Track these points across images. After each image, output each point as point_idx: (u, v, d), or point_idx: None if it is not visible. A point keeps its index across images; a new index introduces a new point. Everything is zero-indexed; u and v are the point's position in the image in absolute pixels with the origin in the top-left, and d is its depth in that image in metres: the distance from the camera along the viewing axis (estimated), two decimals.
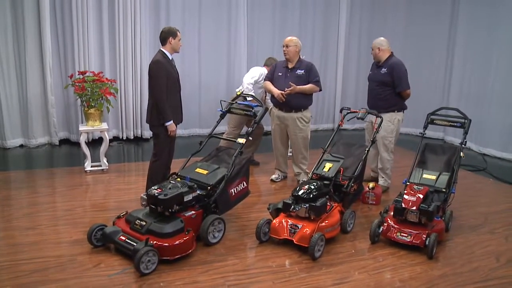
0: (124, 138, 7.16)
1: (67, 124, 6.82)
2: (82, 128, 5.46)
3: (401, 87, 4.79)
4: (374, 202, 4.64)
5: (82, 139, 5.39)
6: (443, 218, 3.91)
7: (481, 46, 7.09)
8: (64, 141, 6.86)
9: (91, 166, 5.45)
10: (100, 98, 5.33)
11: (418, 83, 8.11)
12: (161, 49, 4.28)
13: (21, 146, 6.57)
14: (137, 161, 6.56)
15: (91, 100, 5.28)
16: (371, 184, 4.64)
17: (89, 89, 5.29)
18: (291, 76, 4.84)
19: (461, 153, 4.23)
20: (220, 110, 4.37)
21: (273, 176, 5.34)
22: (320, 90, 4.98)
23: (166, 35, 4.24)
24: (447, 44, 7.81)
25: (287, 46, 4.84)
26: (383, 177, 5.03)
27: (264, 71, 5.57)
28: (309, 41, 8.22)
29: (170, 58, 4.30)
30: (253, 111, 4.12)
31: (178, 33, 4.29)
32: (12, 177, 5.33)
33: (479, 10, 7.11)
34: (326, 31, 8.35)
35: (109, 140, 6.83)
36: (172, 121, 4.23)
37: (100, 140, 5.63)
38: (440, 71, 7.98)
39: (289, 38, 4.90)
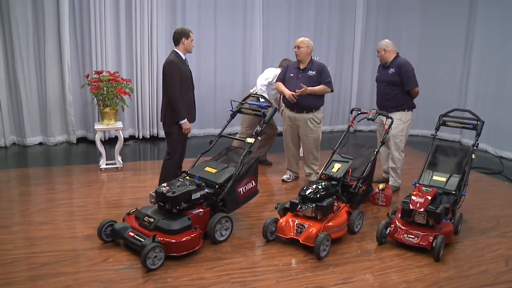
0: (140, 137, 7.28)
1: (85, 123, 6.98)
2: (97, 126, 5.59)
3: (409, 86, 4.83)
4: (384, 204, 4.62)
5: (97, 138, 5.51)
6: (452, 221, 3.88)
7: (499, 48, 6.96)
8: (82, 140, 7.02)
9: (106, 164, 5.58)
10: (115, 98, 5.45)
11: (435, 85, 8.04)
12: (174, 49, 4.36)
13: (40, 144, 6.75)
14: (152, 160, 6.68)
15: (106, 99, 5.40)
16: (381, 185, 4.63)
17: (104, 88, 5.41)
18: (302, 77, 4.86)
19: (473, 155, 4.18)
20: (231, 110, 4.43)
21: (285, 176, 5.36)
22: (332, 91, 4.98)
23: (179, 36, 4.32)
24: (464, 46, 7.69)
25: (298, 48, 4.86)
26: (393, 177, 5.01)
27: (278, 72, 5.60)
28: (324, 42, 8.22)
29: (184, 58, 4.38)
30: (262, 111, 4.16)
31: (190, 34, 4.37)
32: (30, 174, 5.50)
33: (497, 12, 6.98)
34: (342, 32, 8.33)
35: (126, 139, 7.03)
36: (186, 119, 4.32)
37: (116, 138, 5.76)
38: (457, 73, 7.86)
39: (300, 39, 4.91)
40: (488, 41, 7.20)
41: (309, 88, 4.76)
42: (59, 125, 6.74)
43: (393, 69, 4.87)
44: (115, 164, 5.61)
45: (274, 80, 5.48)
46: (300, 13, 7.97)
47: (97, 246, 3.54)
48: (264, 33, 7.80)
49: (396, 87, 4.86)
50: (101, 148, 5.55)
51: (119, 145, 5.60)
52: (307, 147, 5.09)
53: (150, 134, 7.30)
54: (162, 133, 7.29)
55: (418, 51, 8.20)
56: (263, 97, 4.43)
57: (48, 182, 5.18)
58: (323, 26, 8.18)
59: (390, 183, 5.02)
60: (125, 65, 6.96)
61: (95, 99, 5.81)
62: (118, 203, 4.58)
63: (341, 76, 8.47)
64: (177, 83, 4.23)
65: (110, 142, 6.75)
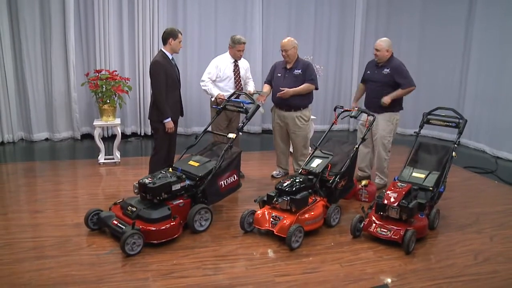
0: (142, 134, 7.54)
1: (89, 120, 7.26)
2: (96, 123, 5.86)
3: (408, 85, 4.81)
4: (367, 200, 4.71)
5: (96, 133, 5.78)
6: (428, 216, 3.97)
7: (497, 48, 6.96)
8: (86, 136, 7.31)
9: (105, 159, 5.83)
10: (113, 95, 5.69)
11: (434, 85, 8.09)
12: (162, 49, 4.54)
13: (46, 139, 7.09)
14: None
15: (104, 96, 5.65)
16: (363, 182, 4.73)
17: (103, 86, 5.66)
18: (289, 76, 5.00)
19: (454, 153, 4.26)
20: (216, 107, 4.61)
21: (274, 172, 5.51)
22: (316, 88, 5.08)
23: (167, 36, 4.49)
24: (463, 46, 7.70)
25: (286, 51, 4.93)
26: (379, 176, 5.09)
27: (221, 60, 5.18)
28: (324, 41, 8.34)
29: (170, 58, 4.54)
30: (244, 107, 4.33)
31: (179, 35, 4.52)
32: (34, 167, 5.79)
33: (495, 12, 6.98)
34: (342, 32, 8.43)
35: (128, 135, 7.29)
36: (170, 119, 4.49)
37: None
38: (455, 73, 7.86)
39: (285, 41, 4.96)
40: (486, 41, 7.20)
41: (292, 89, 4.88)
42: (65, 122, 7.06)
43: (388, 70, 4.83)
44: (113, 159, 5.86)
45: (218, 73, 5.14)
46: (300, 12, 8.10)
47: (84, 233, 3.77)
48: (264, 31, 7.96)
49: (389, 88, 4.84)
50: (100, 143, 5.81)
51: (117, 141, 5.86)
52: (296, 144, 5.23)
53: (151, 131, 7.52)
54: None
55: (418, 52, 8.26)
56: (245, 94, 4.57)
57: (49, 174, 5.47)
58: (323, 25, 8.29)
59: (376, 181, 5.11)
60: (127, 63, 7.24)
61: (94, 96, 6.08)
62: (111, 195, 4.80)
63: (340, 76, 8.57)
64: (163, 83, 4.40)
65: (113, 138, 7.00)
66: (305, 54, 6.50)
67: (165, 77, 4.39)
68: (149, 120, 4.74)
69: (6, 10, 6.41)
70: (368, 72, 5.10)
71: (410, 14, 8.29)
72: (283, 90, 4.88)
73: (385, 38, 4.95)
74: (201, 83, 5.16)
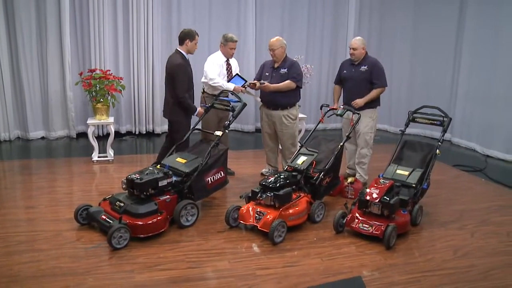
0: (137, 133, 7.64)
1: (85, 119, 7.31)
2: (90, 121, 5.97)
3: (381, 84, 4.94)
4: (353, 197, 4.79)
5: (90, 132, 5.89)
6: (411, 212, 4.05)
7: (489, 47, 7.03)
8: (82, 134, 7.40)
9: (98, 157, 5.94)
10: (107, 94, 5.80)
11: (427, 84, 8.17)
12: (178, 49, 4.66)
13: (42, 138, 7.21)
14: (146, 153, 7.00)
15: (97, 95, 5.76)
16: (349, 179, 4.82)
17: (97, 85, 5.77)
18: (276, 75, 5.08)
19: (438, 150, 4.35)
20: (204, 105, 4.71)
21: (263, 170, 5.60)
22: (298, 87, 5.11)
23: (184, 36, 4.62)
24: (455, 45, 7.77)
25: (273, 50, 5.01)
26: (359, 173, 5.14)
27: (216, 58, 5.27)
28: (317, 43, 8.43)
29: (187, 58, 4.68)
30: (231, 105, 4.43)
31: (196, 37, 4.65)
32: (29, 165, 5.89)
33: (487, 11, 7.05)
34: (335, 31, 8.51)
35: (123, 134, 7.39)
36: (197, 108, 4.77)
37: (115, 134, 6.13)
38: (447, 73, 7.93)
39: (273, 40, 5.04)
40: (477, 41, 7.27)
41: (272, 85, 4.97)
42: (60, 121, 7.17)
43: (365, 67, 4.95)
44: (106, 157, 5.96)
45: (223, 70, 5.28)
46: (294, 12, 8.19)
47: (73, 228, 3.87)
48: (257, 31, 8.04)
49: (368, 85, 4.96)
50: (93, 141, 5.92)
51: (110, 139, 5.96)
52: (284, 142, 5.31)
53: (146, 130, 7.65)
54: (157, 129, 7.63)
55: (411, 51, 8.34)
56: (232, 92, 4.65)
57: (44, 172, 5.57)
58: (316, 25, 8.37)
59: (357, 176, 5.18)
60: (122, 63, 7.34)
61: (88, 95, 6.19)
62: (102, 191, 4.88)
63: (334, 75, 8.48)
64: (186, 84, 4.59)
65: (108, 136, 7.09)
66: (298, 54, 6.59)
67: (187, 78, 4.52)
68: (169, 121, 4.85)
69: (2, 9, 6.52)
70: (345, 71, 5.18)
71: (403, 14, 8.37)
72: (264, 84, 4.98)
73: (359, 37, 5.11)
74: (211, 82, 5.09)
